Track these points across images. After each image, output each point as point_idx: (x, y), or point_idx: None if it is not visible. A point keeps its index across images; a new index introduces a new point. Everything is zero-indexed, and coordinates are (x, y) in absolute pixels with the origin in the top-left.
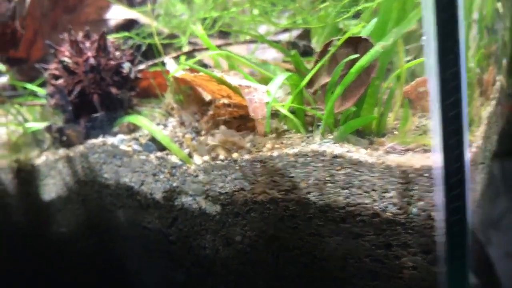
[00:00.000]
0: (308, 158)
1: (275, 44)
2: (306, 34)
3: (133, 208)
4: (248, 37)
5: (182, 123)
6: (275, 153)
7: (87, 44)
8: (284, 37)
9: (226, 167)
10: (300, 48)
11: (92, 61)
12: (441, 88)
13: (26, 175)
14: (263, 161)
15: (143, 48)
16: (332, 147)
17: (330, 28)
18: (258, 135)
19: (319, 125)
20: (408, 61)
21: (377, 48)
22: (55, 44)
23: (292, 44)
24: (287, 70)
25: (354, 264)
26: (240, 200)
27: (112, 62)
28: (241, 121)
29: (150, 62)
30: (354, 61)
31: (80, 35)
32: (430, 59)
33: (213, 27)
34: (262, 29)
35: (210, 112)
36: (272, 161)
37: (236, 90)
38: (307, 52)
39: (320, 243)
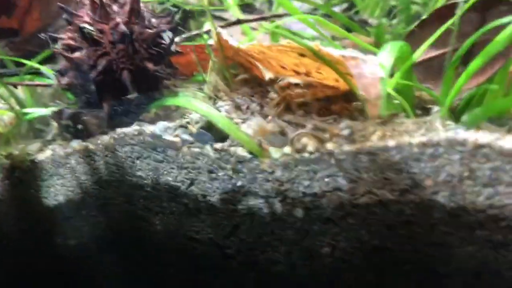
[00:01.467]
0: (440, 149)
1: (340, 15)
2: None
3: (177, 214)
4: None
5: (237, 107)
6: (392, 143)
7: (115, 7)
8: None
9: (317, 161)
10: (356, 22)
11: (122, 28)
12: None
13: (22, 175)
14: (372, 153)
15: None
16: (474, 135)
17: (383, 2)
18: (352, 120)
19: (429, 108)
20: None
21: None
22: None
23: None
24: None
25: (490, 281)
26: (334, 202)
27: (149, 31)
28: (323, 103)
29: (187, 34)
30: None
31: None
32: None
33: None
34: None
35: (282, 93)
36: (387, 153)
37: (330, 63)
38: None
39: (445, 255)
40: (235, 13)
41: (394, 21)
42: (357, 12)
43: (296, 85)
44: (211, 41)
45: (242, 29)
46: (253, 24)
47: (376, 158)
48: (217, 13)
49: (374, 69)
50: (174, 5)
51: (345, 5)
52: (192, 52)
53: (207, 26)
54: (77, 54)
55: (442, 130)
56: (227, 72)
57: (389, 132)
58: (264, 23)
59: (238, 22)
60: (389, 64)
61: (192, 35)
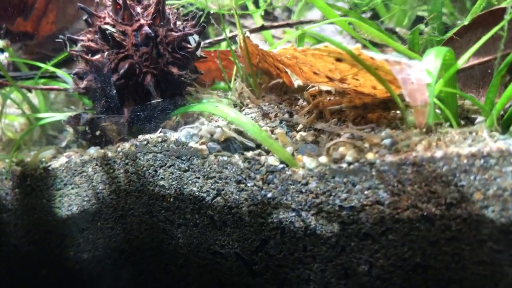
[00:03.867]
0: (491, 160)
1: (370, 22)
2: (371, 18)
3: (201, 226)
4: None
5: (265, 115)
6: (439, 154)
7: (139, 9)
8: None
9: (356, 172)
10: (384, 31)
11: (146, 30)
12: None
13: (35, 183)
14: (417, 164)
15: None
16: None
17: (411, 11)
18: (391, 129)
19: (472, 117)
20: None
21: None
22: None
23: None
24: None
25: None
26: (373, 217)
27: (174, 34)
28: (360, 111)
29: (210, 39)
30: None
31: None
32: None
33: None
34: (315, 13)
35: (313, 101)
36: (433, 165)
37: (370, 69)
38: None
39: (494, 274)
40: (257, 20)
41: (425, 29)
42: (379, 20)
43: (328, 92)
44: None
45: (263, 37)
46: (273, 32)
47: (421, 170)
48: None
49: (420, 75)
50: (198, 8)
51: (368, 14)
52: (213, 58)
53: (228, 32)
54: (97, 57)
55: (490, 141)
56: (253, 78)
57: (434, 142)
58: (289, 29)
59: (263, 28)
60: (436, 70)
61: (215, 40)
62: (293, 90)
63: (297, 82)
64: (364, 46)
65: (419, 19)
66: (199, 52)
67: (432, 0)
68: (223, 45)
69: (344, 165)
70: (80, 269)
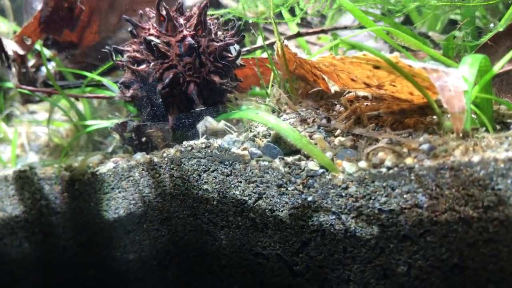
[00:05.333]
0: None
1: (404, 28)
2: (403, 23)
3: (243, 228)
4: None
5: (303, 120)
6: (476, 158)
7: (181, 20)
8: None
9: (395, 176)
10: (417, 37)
11: (190, 40)
12: None
13: (82, 187)
14: (455, 169)
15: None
16: None
17: (443, 16)
18: (430, 135)
19: (507, 122)
20: None
21: None
22: (120, 23)
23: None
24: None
25: None
26: (412, 220)
27: (216, 44)
28: (397, 116)
29: (248, 47)
30: None
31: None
32: None
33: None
34: (348, 18)
35: (351, 106)
36: (471, 169)
37: (407, 76)
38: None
39: None
40: (292, 26)
41: (458, 34)
42: (412, 25)
43: (364, 97)
44: (264, 55)
45: (298, 42)
46: (307, 37)
47: (459, 174)
48: (271, 27)
49: (457, 82)
50: (234, 17)
51: (401, 18)
52: (250, 65)
53: (260, 40)
54: (142, 67)
55: None
56: (290, 84)
57: (471, 147)
58: (323, 35)
59: (299, 34)
60: (472, 77)
61: (252, 48)
62: (329, 96)
63: (333, 88)
64: (398, 51)
65: (452, 22)
66: (239, 61)
67: (465, 5)
68: (258, 52)
69: (384, 170)
70: (127, 270)
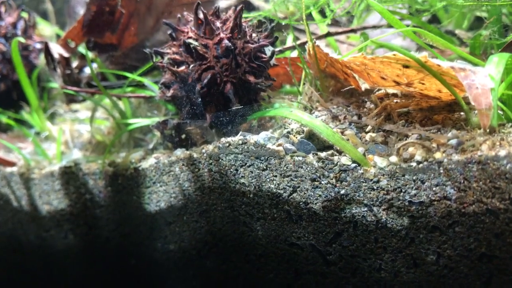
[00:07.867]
0: None
1: (430, 26)
2: (430, 21)
3: (278, 220)
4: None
5: (335, 117)
6: (503, 152)
7: (218, 23)
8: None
9: (425, 170)
10: (444, 35)
11: (226, 43)
12: None
13: (125, 181)
14: (482, 163)
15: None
16: None
17: (470, 14)
18: (458, 130)
19: None
20: None
21: None
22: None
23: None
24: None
25: None
26: (441, 211)
27: (251, 45)
28: (426, 113)
29: (280, 47)
30: None
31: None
32: None
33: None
34: (375, 16)
35: (382, 103)
36: (497, 163)
37: (436, 74)
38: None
39: None
40: (321, 26)
41: (484, 32)
42: (439, 23)
43: (394, 95)
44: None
45: (327, 40)
46: (336, 36)
47: (486, 168)
48: (300, 27)
49: (484, 80)
50: (265, 18)
51: (427, 17)
52: (282, 64)
53: (290, 39)
54: (182, 68)
55: None
56: (321, 83)
57: (497, 142)
58: (352, 35)
59: (329, 34)
60: (499, 75)
61: (284, 48)
62: (360, 94)
63: (364, 86)
64: (425, 49)
65: (478, 19)
66: (272, 61)
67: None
68: (287, 52)
69: (414, 164)
70: (167, 259)
